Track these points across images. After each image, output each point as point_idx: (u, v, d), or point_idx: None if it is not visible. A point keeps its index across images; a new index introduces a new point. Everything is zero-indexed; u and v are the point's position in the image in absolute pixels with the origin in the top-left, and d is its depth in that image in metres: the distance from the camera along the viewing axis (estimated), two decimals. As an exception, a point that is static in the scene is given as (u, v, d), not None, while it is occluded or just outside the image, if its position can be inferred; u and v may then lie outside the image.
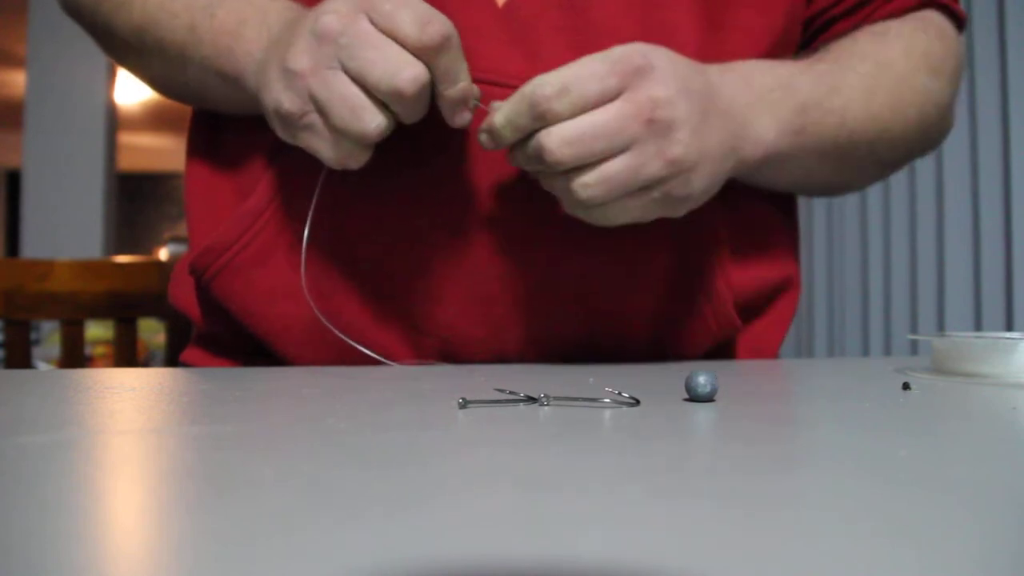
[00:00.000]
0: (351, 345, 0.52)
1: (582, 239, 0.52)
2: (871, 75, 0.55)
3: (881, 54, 0.56)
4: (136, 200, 7.46)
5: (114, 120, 3.70)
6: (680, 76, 0.44)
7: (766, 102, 0.51)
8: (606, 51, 0.44)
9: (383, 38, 0.42)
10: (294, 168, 0.51)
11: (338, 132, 0.43)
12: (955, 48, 0.61)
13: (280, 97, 0.44)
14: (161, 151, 6.86)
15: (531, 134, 0.44)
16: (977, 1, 1.68)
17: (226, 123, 0.57)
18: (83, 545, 0.15)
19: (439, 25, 0.41)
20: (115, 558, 0.14)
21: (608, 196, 0.44)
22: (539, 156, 0.43)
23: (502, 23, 0.50)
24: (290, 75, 0.43)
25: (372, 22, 0.42)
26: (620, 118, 0.43)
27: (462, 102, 0.44)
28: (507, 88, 0.49)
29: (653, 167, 0.44)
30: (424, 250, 0.52)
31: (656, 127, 0.43)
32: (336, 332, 0.51)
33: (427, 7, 0.42)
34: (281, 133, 0.46)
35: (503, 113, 0.44)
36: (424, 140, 0.50)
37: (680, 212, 0.48)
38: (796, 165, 0.55)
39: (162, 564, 0.14)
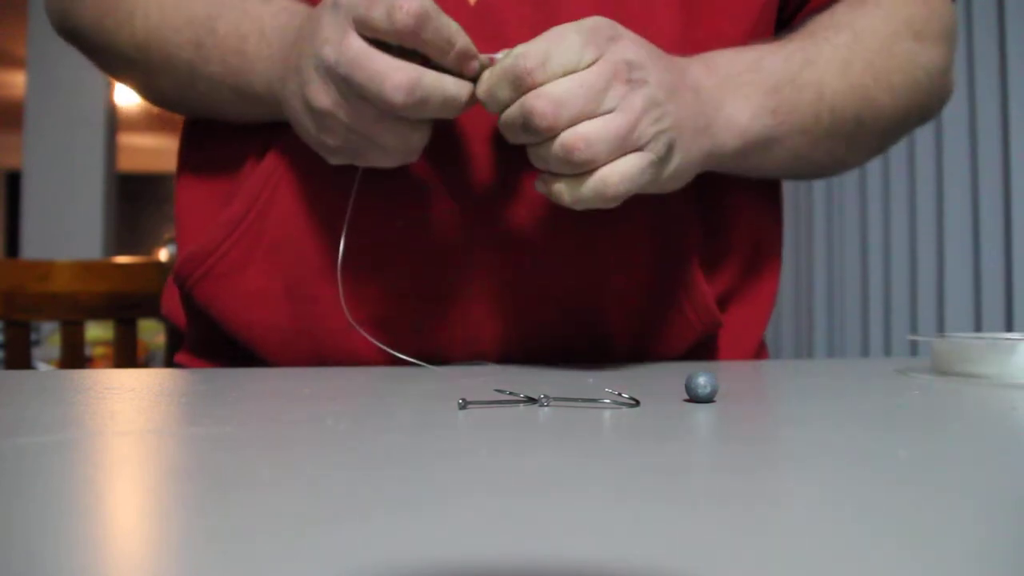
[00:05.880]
0: (342, 349, 0.52)
1: (559, 237, 0.51)
2: (848, 45, 0.54)
3: (858, 23, 0.55)
4: (136, 201, 7.46)
5: (114, 121, 3.70)
6: (647, 46, 0.44)
7: (734, 84, 0.50)
8: (577, 22, 0.43)
9: (368, 51, 0.41)
10: (272, 178, 0.52)
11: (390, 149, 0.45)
12: (940, 9, 0.59)
13: (321, 136, 0.45)
14: (161, 152, 6.85)
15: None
16: (977, 1, 1.68)
17: (215, 135, 0.57)
18: (83, 545, 0.15)
19: (408, 5, 0.39)
20: (115, 558, 0.14)
21: (607, 150, 0.42)
22: (528, 122, 0.41)
23: (474, 22, 0.50)
24: (318, 114, 0.44)
25: (359, 34, 0.41)
26: (603, 77, 0.42)
27: (464, 58, 0.43)
28: None
29: (645, 123, 0.43)
30: (400, 251, 0.52)
31: (634, 87, 0.42)
32: (374, 343, 0.51)
33: None
34: (334, 161, 0.47)
35: (484, 85, 0.43)
36: None
37: (666, 188, 0.48)
38: (781, 148, 0.54)
39: (162, 564, 0.14)
